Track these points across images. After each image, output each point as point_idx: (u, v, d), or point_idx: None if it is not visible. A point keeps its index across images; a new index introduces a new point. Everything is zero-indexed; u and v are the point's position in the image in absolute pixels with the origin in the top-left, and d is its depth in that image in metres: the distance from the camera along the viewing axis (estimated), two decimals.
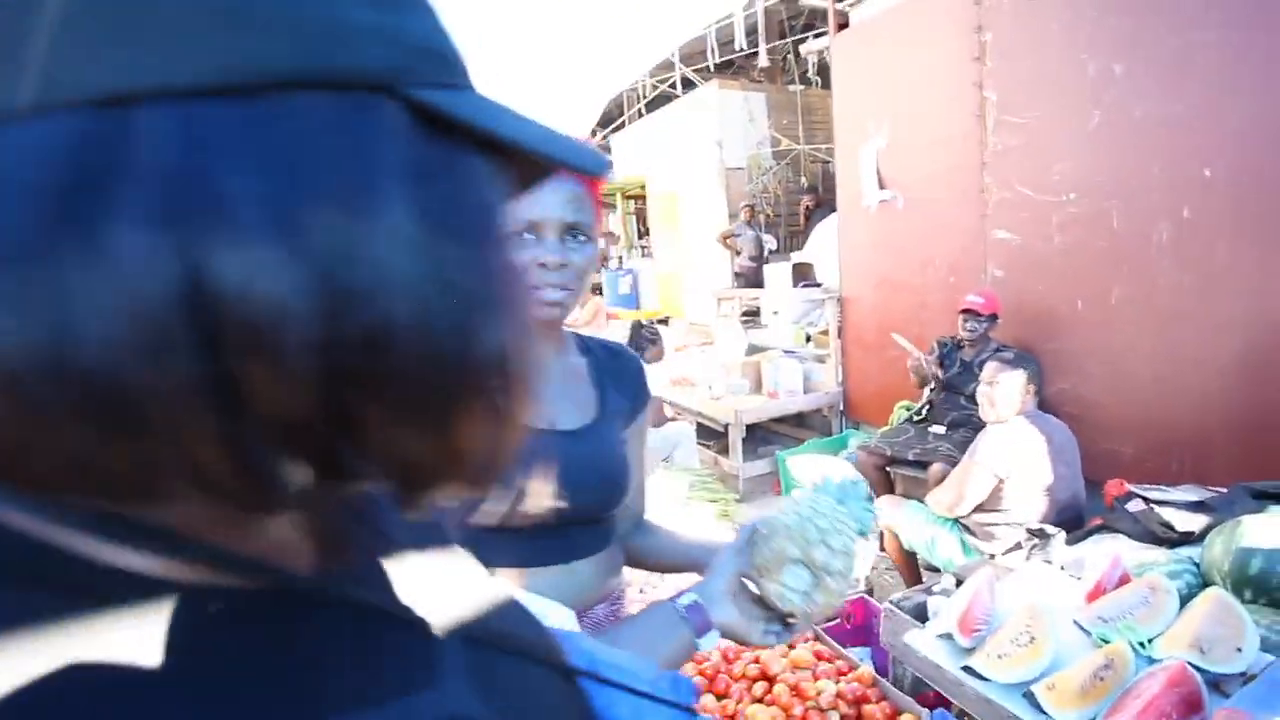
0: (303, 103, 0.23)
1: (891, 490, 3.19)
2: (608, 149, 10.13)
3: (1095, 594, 1.56)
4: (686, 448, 3.95)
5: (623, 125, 9.79)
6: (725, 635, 0.77)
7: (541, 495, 0.90)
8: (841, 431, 4.41)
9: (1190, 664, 1.25)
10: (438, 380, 0.25)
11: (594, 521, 1.00)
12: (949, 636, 1.48)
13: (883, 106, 3.84)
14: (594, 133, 9.98)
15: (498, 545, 0.92)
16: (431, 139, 0.26)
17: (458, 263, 0.26)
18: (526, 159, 0.30)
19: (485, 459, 0.29)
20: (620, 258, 10.28)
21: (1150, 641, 1.38)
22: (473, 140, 0.27)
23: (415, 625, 0.33)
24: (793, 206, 7.73)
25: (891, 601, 1.79)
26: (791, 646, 1.92)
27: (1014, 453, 2.26)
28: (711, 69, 7.34)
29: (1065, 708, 1.24)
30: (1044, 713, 1.24)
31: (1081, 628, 1.47)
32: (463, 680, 0.33)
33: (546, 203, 0.89)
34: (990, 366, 2.45)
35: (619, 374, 1.07)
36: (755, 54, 6.72)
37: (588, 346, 1.07)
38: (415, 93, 0.25)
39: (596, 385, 1.04)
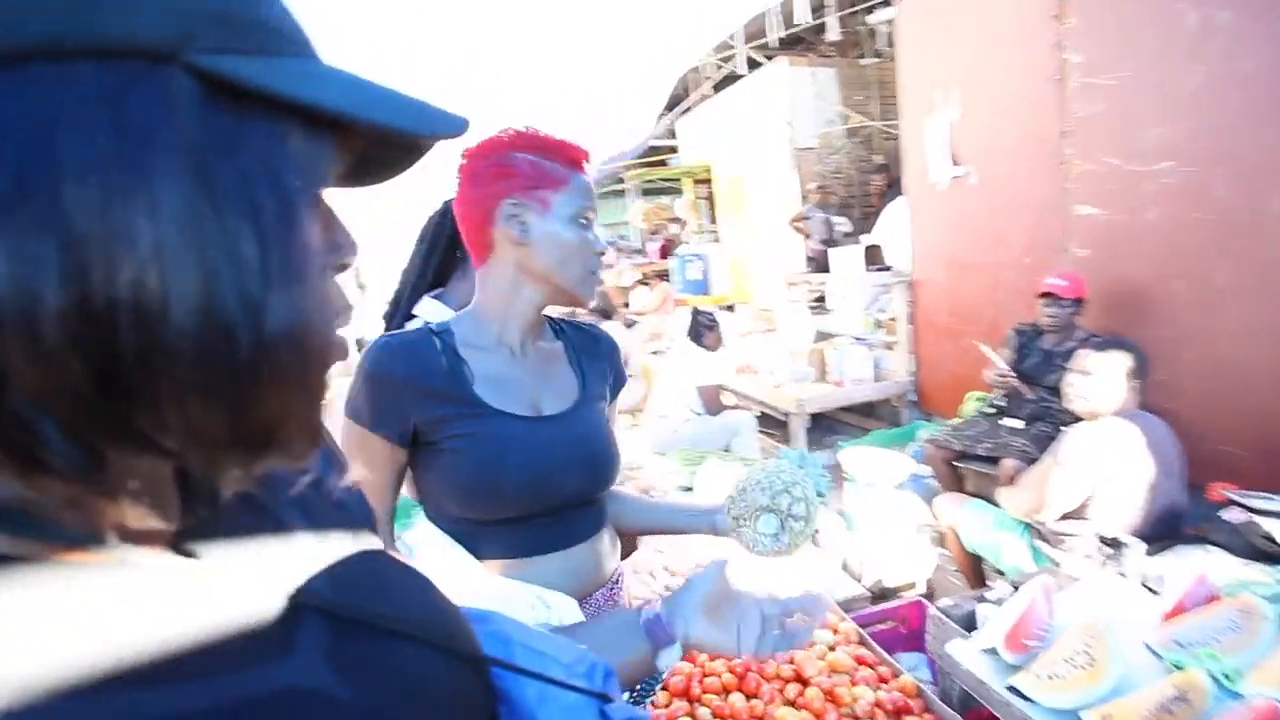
0: (53, 73, 0.22)
1: (960, 487, 3.00)
2: (673, 133, 10.01)
3: (1174, 614, 1.39)
4: (746, 437, 3.86)
5: (690, 109, 9.63)
6: (697, 648, 0.72)
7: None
8: (911, 423, 4.19)
9: None
10: (227, 353, 0.25)
11: (586, 504, 0.99)
12: (994, 651, 1.36)
13: (952, 75, 3.58)
14: (660, 117, 9.87)
15: (494, 536, 0.92)
16: (224, 109, 0.25)
17: (246, 235, 0.25)
18: (378, 131, 0.29)
19: (288, 431, 0.29)
20: (689, 243, 10.16)
21: (1237, 674, 1.22)
22: (282, 109, 0.27)
23: (274, 600, 0.33)
24: (866, 186, 7.38)
25: (939, 607, 1.67)
26: (832, 649, 1.83)
27: (1107, 457, 1.97)
28: (775, 44, 7.07)
29: None
30: None
31: (1153, 651, 1.31)
32: (319, 656, 0.33)
33: (592, 194, 0.94)
34: (1084, 353, 2.16)
35: (594, 354, 1.06)
36: (823, 28, 6.42)
37: (561, 329, 1.06)
38: (204, 60, 0.25)
39: (575, 366, 1.03)
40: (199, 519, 0.33)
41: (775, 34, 6.53)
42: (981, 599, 1.69)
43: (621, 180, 11.72)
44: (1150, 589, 1.63)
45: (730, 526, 0.94)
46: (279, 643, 0.32)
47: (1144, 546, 1.61)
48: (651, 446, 3.85)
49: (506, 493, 0.90)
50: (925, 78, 3.82)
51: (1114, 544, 1.62)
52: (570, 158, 0.93)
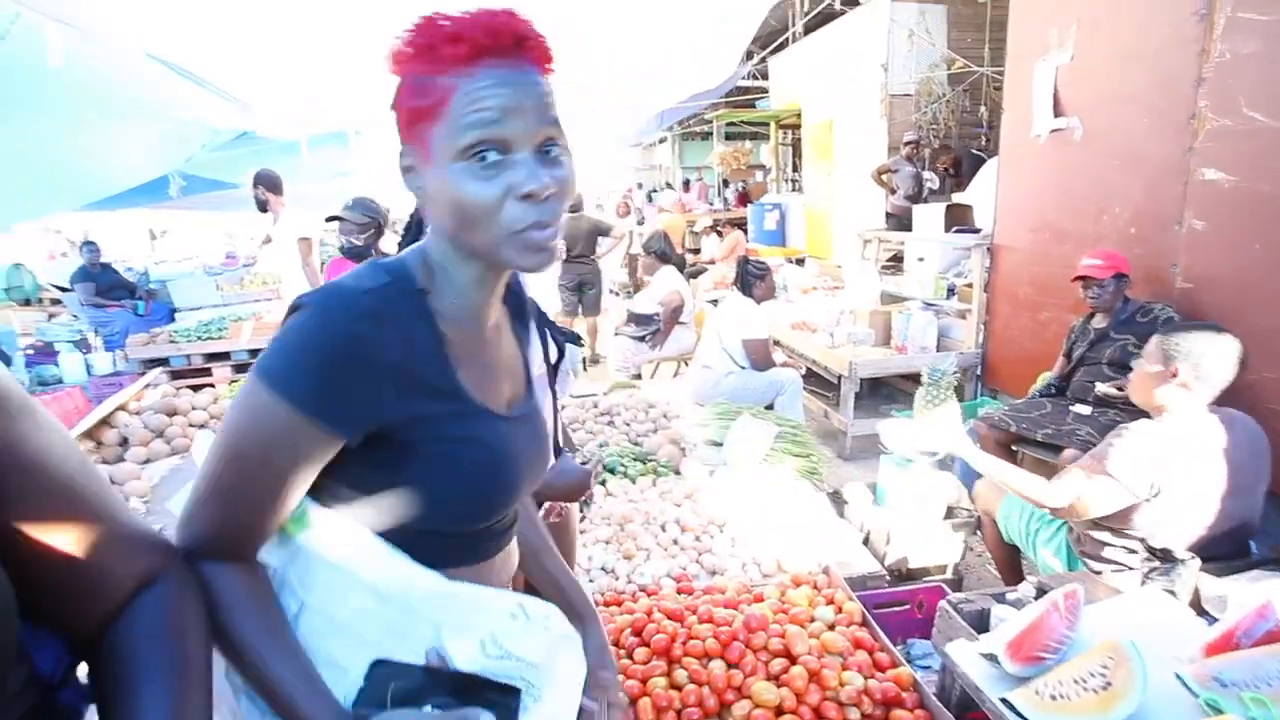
0: None
1: None
2: (764, 74, 9.45)
3: (1221, 645, 1.19)
4: (790, 396, 3.69)
5: (785, 44, 9.02)
6: None
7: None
8: (975, 398, 3.88)
9: None
10: None
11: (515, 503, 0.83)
12: (993, 658, 1.21)
13: (1071, 9, 3.12)
14: (750, 54, 9.31)
15: (434, 546, 0.72)
16: None
17: None
18: None
19: None
20: (770, 192, 9.73)
21: None
22: None
23: None
24: (965, 140, 6.77)
25: (951, 601, 1.52)
26: (831, 628, 1.71)
27: (1163, 468, 1.57)
28: None
29: None
30: None
31: (1186, 685, 1.13)
32: None
33: (514, 108, 0.59)
34: (1157, 337, 1.73)
35: (524, 319, 0.85)
36: None
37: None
38: None
39: (515, 336, 0.83)
40: None
41: None
42: (1001, 598, 1.52)
43: (707, 121, 11.27)
44: (1211, 614, 1.42)
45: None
46: None
47: (1198, 563, 1.38)
48: (692, 396, 3.73)
49: (492, 503, 0.73)
50: (1040, 12, 3.35)
51: (1165, 556, 1.40)
52: (458, 50, 0.58)
